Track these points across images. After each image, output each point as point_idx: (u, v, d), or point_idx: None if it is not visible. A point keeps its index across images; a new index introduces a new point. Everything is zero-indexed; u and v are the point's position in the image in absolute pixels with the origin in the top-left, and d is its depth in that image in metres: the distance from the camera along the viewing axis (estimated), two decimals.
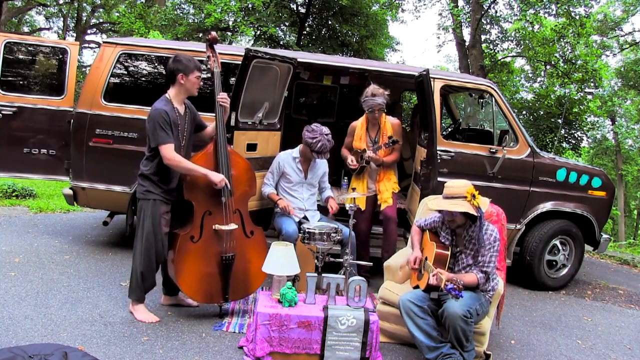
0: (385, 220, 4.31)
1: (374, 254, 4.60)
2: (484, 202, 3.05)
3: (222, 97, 3.35)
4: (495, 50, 14.08)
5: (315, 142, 3.91)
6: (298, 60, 4.50)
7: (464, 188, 2.97)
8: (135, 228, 3.34)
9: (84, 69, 14.82)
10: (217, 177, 3.23)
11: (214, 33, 3.43)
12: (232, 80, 4.56)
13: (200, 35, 13.18)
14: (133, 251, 3.31)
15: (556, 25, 12.32)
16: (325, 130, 3.97)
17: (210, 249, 3.32)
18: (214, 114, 3.38)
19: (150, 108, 3.22)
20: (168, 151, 3.13)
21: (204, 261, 3.30)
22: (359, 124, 4.36)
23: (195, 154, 3.35)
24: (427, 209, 3.74)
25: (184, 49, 4.60)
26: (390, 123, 4.27)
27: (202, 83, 3.35)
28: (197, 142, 3.52)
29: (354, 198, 3.81)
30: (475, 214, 2.95)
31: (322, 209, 4.27)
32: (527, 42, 13.72)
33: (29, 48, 4.70)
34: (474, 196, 2.95)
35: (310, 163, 4.17)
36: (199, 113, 3.51)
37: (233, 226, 3.34)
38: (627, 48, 17.91)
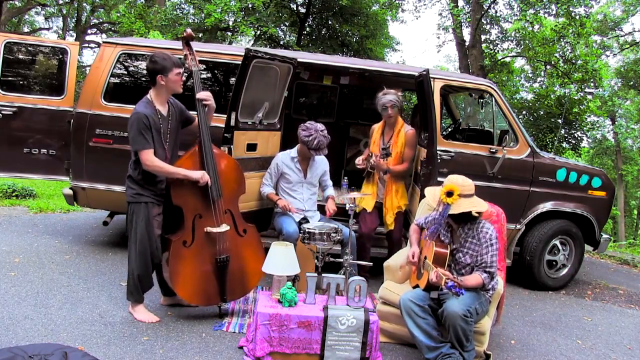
0: (390, 243, 4.37)
1: (374, 254, 4.60)
2: (461, 204, 2.94)
3: (204, 96, 3.28)
4: (495, 50, 14.08)
5: (311, 139, 3.91)
6: (298, 60, 4.50)
7: (449, 182, 2.99)
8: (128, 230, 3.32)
9: (84, 69, 14.82)
10: (197, 174, 3.18)
11: (189, 30, 3.35)
12: (232, 80, 4.57)
13: (201, 35, 13.18)
14: (128, 254, 3.29)
15: (556, 25, 12.32)
16: (320, 126, 3.97)
17: (204, 252, 3.30)
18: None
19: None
20: (147, 157, 3.10)
21: (198, 265, 3.29)
22: (376, 127, 4.42)
23: (180, 156, 3.31)
24: (427, 209, 3.74)
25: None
26: (404, 132, 4.28)
27: (184, 78, 3.28)
28: (184, 140, 3.48)
29: (354, 198, 3.81)
30: (434, 204, 3.06)
31: (322, 209, 4.27)
32: (527, 42, 13.72)
33: (29, 48, 4.70)
34: (449, 194, 2.95)
35: (309, 162, 4.16)
36: (195, 112, 3.49)
37: (225, 227, 3.31)
38: (627, 48, 17.91)
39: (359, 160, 4.31)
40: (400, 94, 4.27)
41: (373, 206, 4.29)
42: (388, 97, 4.19)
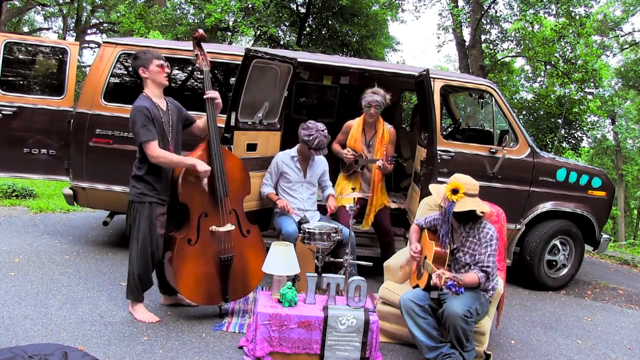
0: (379, 234, 4.36)
1: (374, 254, 4.60)
2: (466, 203, 2.96)
3: (213, 94, 3.31)
4: (495, 50, 14.07)
5: (312, 139, 3.91)
6: (298, 60, 4.50)
7: (456, 180, 3.01)
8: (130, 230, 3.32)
9: (84, 69, 14.82)
10: (204, 167, 3.18)
11: (201, 31, 3.38)
12: (232, 80, 4.56)
13: None
14: (129, 253, 3.29)
15: (556, 25, 12.32)
16: (321, 126, 3.97)
17: (208, 250, 3.31)
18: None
19: None
20: (152, 148, 3.10)
21: (202, 263, 3.29)
22: (355, 124, 4.37)
23: (188, 153, 3.32)
24: (427, 209, 3.74)
25: (183, 48, 4.60)
26: (387, 130, 4.31)
27: (168, 70, 3.26)
28: (189, 140, 3.49)
29: (354, 198, 3.80)
30: (439, 200, 3.05)
31: (322, 209, 4.27)
32: (527, 42, 13.71)
33: (29, 48, 4.70)
34: (455, 191, 2.96)
35: (308, 162, 4.17)
36: (195, 112, 3.49)
37: (230, 227, 3.32)
38: (627, 48, 17.91)
39: (348, 154, 4.28)
40: (388, 96, 4.23)
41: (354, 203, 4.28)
42: (375, 97, 4.16)
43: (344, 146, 4.38)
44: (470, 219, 3.03)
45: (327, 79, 6.45)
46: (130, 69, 4.74)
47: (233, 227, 3.35)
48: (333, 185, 4.37)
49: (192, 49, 3.46)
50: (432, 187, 3.27)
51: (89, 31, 21.71)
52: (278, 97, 4.48)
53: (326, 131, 3.99)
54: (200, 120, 3.46)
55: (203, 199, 3.29)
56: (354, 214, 3.73)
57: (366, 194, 4.30)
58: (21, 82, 4.71)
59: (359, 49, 14.21)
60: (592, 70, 12.26)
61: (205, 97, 3.31)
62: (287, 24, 15.04)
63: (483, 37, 13.97)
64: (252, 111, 4.20)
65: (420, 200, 4.09)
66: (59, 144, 4.55)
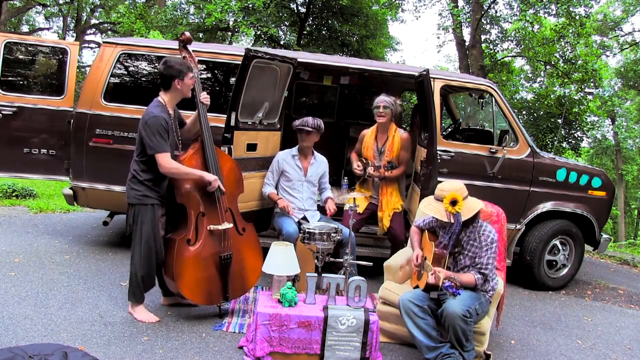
0: (393, 244, 4.31)
1: (374, 254, 4.60)
2: (469, 207, 2.97)
3: (205, 96, 3.34)
4: (495, 50, 14.08)
5: (298, 121, 4.03)
6: (298, 60, 4.50)
7: (447, 192, 2.96)
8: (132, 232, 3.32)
9: (84, 69, 14.82)
10: (212, 177, 3.23)
11: (187, 33, 3.39)
12: (232, 80, 4.56)
13: (201, 35, 13.18)
14: (131, 255, 3.29)
15: (556, 25, 12.32)
16: (318, 120, 4.06)
17: (208, 250, 3.31)
18: (194, 112, 3.38)
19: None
20: (165, 160, 3.12)
21: (202, 263, 3.30)
22: (369, 132, 4.38)
23: (182, 154, 3.33)
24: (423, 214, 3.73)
25: None
26: (399, 136, 4.26)
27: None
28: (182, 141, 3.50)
29: (354, 198, 3.80)
30: (446, 220, 2.94)
31: (322, 209, 4.27)
32: (527, 42, 13.71)
33: (29, 48, 4.70)
34: (454, 202, 2.92)
35: (309, 160, 4.18)
36: (190, 112, 3.52)
37: (227, 225, 3.34)
38: (627, 48, 17.91)
39: (358, 168, 4.30)
40: (398, 101, 4.25)
41: (365, 208, 4.27)
42: (381, 96, 4.21)
43: (360, 155, 4.40)
44: (474, 218, 3.03)
45: (327, 79, 6.45)
46: (131, 69, 4.76)
47: (231, 225, 3.37)
48: (348, 186, 4.37)
49: (193, 49, 3.45)
50: (427, 207, 3.10)
51: (88, 31, 21.71)
52: (278, 97, 4.49)
53: (319, 122, 4.05)
54: (189, 120, 3.47)
55: (200, 199, 3.30)
56: (354, 214, 3.73)
57: (370, 194, 4.28)
58: (21, 82, 4.71)
59: (359, 49, 14.20)
60: (592, 70, 12.27)
61: (199, 99, 3.33)
62: (287, 24, 15.03)
63: (483, 37, 13.97)
64: (252, 111, 4.20)
65: (420, 200, 4.09)
66: (59, 144, 4.55)
